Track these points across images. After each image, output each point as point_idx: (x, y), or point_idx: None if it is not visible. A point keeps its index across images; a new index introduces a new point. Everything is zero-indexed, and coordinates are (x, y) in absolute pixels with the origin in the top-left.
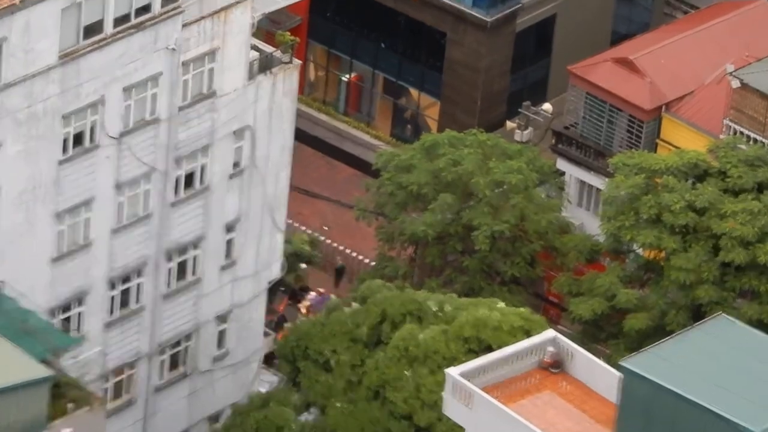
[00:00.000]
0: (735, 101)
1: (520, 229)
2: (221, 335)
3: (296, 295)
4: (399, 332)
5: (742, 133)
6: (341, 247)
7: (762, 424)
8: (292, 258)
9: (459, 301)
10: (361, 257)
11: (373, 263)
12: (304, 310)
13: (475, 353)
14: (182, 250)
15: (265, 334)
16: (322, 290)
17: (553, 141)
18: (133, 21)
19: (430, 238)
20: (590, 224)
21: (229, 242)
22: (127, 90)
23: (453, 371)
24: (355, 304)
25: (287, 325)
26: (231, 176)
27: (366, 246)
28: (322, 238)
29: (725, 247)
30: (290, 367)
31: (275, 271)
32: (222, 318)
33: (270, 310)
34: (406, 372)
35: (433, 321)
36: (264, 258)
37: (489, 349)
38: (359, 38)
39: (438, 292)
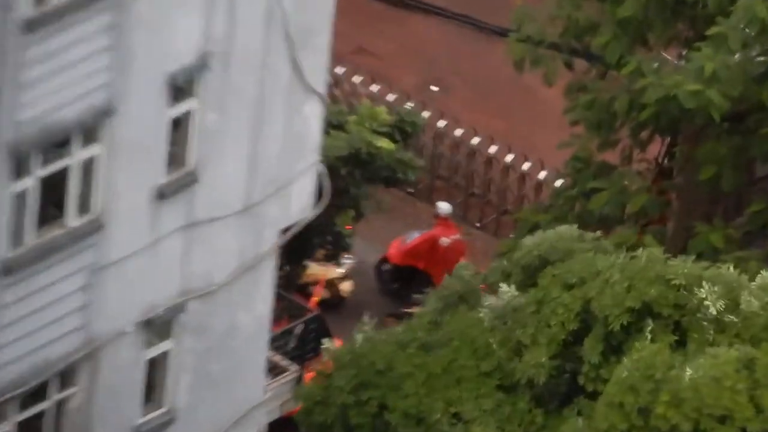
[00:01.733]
0: None
1: None
2: (155, 369)
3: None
4: (625, 365)
5: None
6: (473, 140)
7: None
8: (350, 166)
9: None
10: (525, 166)
11: (557, 183)
12: (318, 293)
13: None
14: (53, 144)
15: (274, 371)
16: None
17: None
18: None
19: (716, 114)
20: None
21: (178, 126)
22: None
23: None
24: (506, 288)
25: (327, 344)
26: None
27: (536, 137)
28: (425, 114)
29: None
30: None
31: (301, 204)
32: (156, 326)
33: (288, 307)
34: None
35: (715, 332)
36: (269, 170)
37: None
38: None
39: (730, 253)
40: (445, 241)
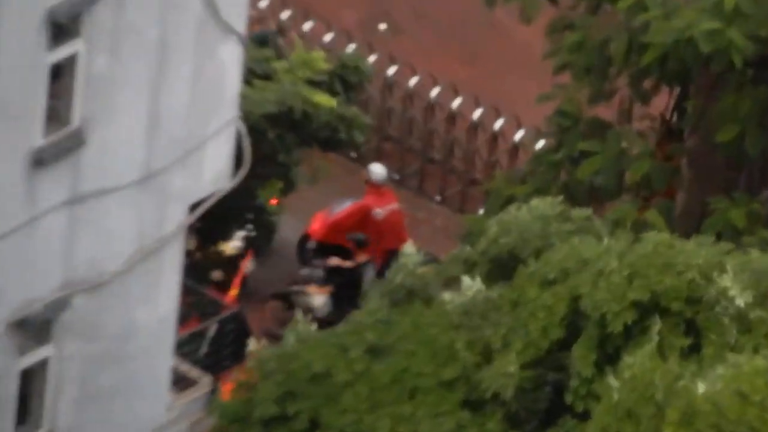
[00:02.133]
0: None
1: None
2: (31, 381)
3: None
4: (613, 385)
5: None
6: (432, 92)
7: None
8: (280, 127)
9: None
10: (497, 124)
11: (537, 145)
12: (237, 284)
13: None
14: None
15: (181, 383)
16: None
17: None
18: None
19: (738, 59)
20: None
21: (59, 75)
22: None
23: None
24: (470, 281)
25: (256, 345)
26: None
27: (511, 88)
28: (371, 59)
29: None
30: None
31: (215, 172)
32: (33, 327)
33: (199, 303)
34: None
35: (738, 332)
36: (175, 129)
37: None
38: None
39: (753, 233)
40: (378, 212)
